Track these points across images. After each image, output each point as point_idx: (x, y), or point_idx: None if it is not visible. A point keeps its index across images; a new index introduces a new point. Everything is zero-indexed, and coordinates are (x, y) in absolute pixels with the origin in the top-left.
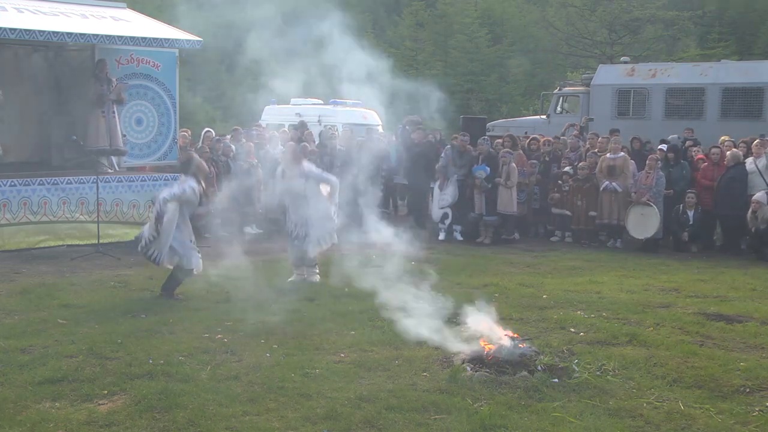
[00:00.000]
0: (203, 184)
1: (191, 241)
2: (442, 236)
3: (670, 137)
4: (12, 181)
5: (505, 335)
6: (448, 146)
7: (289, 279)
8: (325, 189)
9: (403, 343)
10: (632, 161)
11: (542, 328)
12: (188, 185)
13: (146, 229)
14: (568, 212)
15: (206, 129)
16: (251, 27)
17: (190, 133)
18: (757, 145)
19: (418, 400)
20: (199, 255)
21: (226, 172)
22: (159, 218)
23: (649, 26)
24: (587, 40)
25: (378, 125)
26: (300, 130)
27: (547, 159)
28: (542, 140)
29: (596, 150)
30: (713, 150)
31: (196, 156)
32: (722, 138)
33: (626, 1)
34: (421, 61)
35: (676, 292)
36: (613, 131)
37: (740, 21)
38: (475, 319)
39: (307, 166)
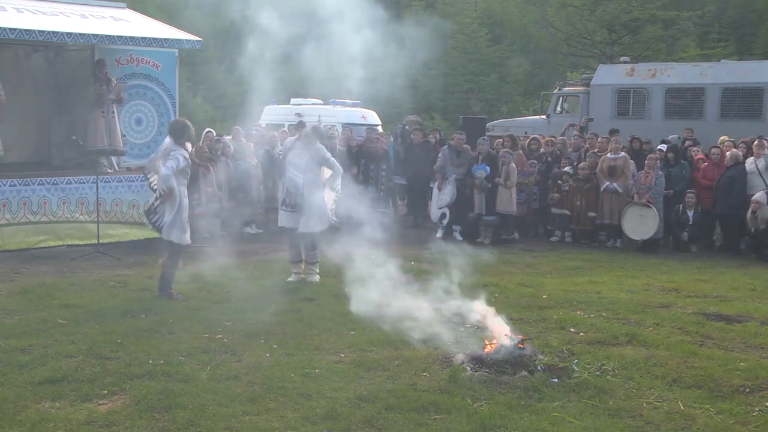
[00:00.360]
0: (193, 151)
1: (185, 217)
2: (439, 234)
3: (670, 137)
4: (12, 181)
5: (506, 335)
6: (446, 146)
7: (288, 279)
8: (326, 173)
9: (403, 343)
10: (632, 161)
11: (542, 328)
12: (180, 155)
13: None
14: (567, 212)
15: (207, 129)
16: (251, 27)
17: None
18: (757, 146)
19: (418, 400)
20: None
21: (225, 172)
22: (170, 191)
23: (649, 26)
24: (587, 40)
25: (378, 125)
26: (299, 130)
27: (549, 159)
28: (544, 140)
29: (596, 150)
30: (713, 150)
31: (189, 125)
32: (722, 138)
33: (626, 1)
34: (421, 60)
35: (676, 292)
36: (613, 131)
37: (740, 21)
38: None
39: (320, 146)
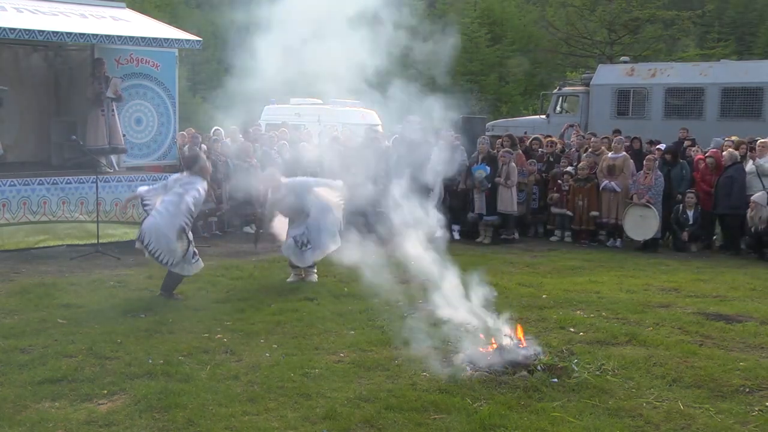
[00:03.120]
0: (209, 184)
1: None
2: (438, 233)
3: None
4: (12, 181)
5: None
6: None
7: (288, 279)
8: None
9: (403, 343)
10: (631, 161)
11: (542, 328)
12: (201, 186)
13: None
14: (568, 212)
15: (215, 128)
16: (251, 26)
17: (194, 131)
18: (758, 147)
19: (418, 400)
20: (193, 261)
21: (224, 172)
22: (184, 231)
23: (649, 26)
24: (587, 39)
25: (378, 125)
26: (294, 131)
27: (551, 159)
28: (546, 140)
29: (593, 149)
30: (708, 159)
31: (202, 155)
32: (732, 138)
33: (626, 1)
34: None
35: (676, 292)
36: (615, 131)
37: (740, 21)
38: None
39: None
